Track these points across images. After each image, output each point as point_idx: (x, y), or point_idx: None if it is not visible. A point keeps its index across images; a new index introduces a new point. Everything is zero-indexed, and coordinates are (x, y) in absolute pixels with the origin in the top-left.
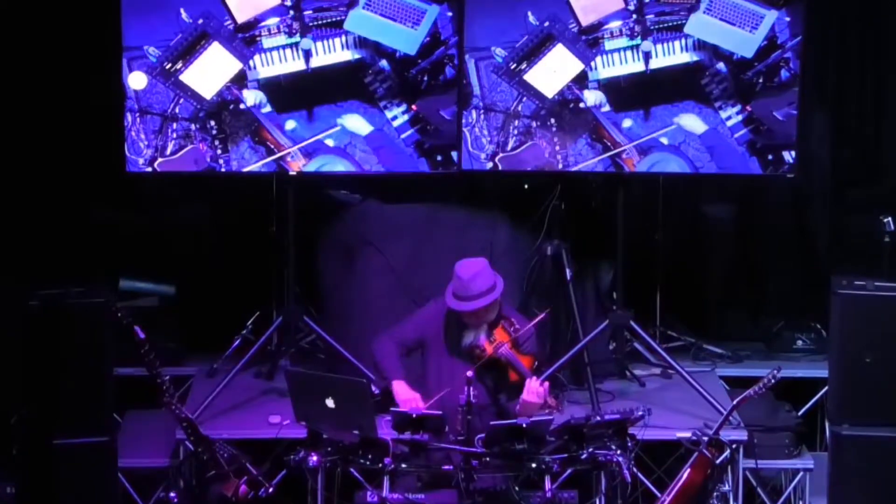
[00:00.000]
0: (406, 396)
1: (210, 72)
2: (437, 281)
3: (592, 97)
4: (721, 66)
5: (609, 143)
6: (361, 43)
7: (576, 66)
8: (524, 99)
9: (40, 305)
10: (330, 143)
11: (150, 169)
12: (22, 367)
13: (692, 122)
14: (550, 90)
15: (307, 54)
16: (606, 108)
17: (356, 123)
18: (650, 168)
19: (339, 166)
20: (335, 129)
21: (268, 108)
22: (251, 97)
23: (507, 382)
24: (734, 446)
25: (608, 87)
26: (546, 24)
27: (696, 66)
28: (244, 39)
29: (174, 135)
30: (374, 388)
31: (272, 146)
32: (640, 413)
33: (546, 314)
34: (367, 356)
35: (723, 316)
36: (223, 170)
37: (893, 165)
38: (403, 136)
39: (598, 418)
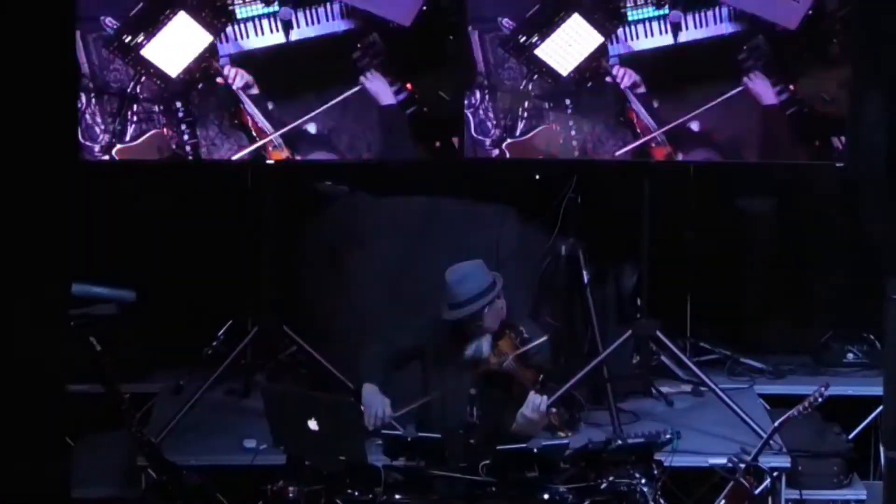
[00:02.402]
0: (372, 400)
1: (176, 46)
2: (434, 285)
3: (623, 74)
4: (761, 38)
5: (638, 128)
6: (349, 12)
7: (594, 40)
8: (535, 77)
9: None
10: (312, 129)
11: (106, 157)
12: None
13: (762, 89)
14: (565, 67)
15: (287, 25)
16: (641, 88)
17: (378, 87)
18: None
19: (323, 155)
20: (356, 89)
21: (251, 87)
22: (233, 74)
23: (510, 399)
24: (775, 474)
25: (631, 63)
26: None
27: (732, 39)
28: (215, 9)
29: (135, 118)
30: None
31: (254, 132)
32: (668, 436)
33: (545, 339)
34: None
35: (762, 325)
36: (191, 158)
37: None
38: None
39: (620, 442)
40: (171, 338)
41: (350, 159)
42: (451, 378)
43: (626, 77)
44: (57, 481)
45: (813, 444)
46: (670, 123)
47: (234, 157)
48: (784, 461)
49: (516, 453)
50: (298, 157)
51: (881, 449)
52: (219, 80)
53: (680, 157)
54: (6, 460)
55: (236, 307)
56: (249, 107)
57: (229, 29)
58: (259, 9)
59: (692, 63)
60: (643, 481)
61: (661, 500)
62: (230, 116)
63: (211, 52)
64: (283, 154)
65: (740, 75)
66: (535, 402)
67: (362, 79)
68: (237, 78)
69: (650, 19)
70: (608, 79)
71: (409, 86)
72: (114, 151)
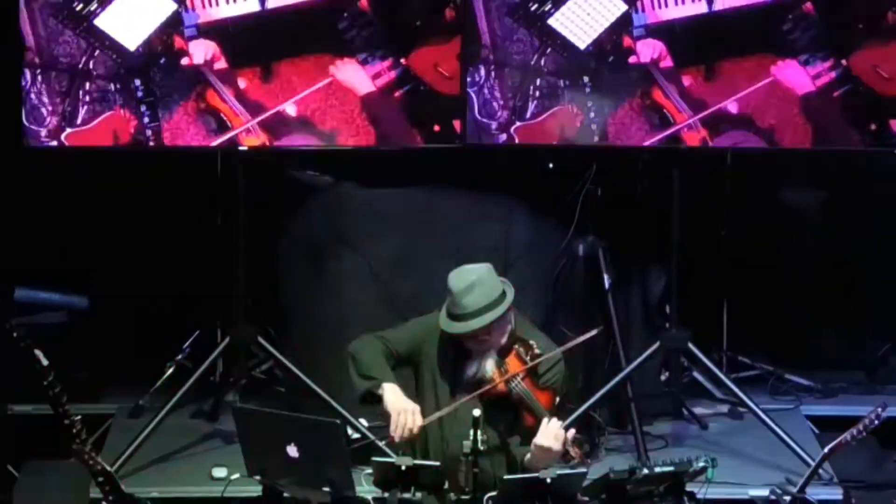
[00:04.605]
0: (400, 405)
1: (134, 15)
2: (432, 290)
3: (650, 49)
4: (808, 6)
5: (667, 109)
6: None
7: (616, 8)
8: (549, 50)
9: None
10: (291, 111)
11: (55, 142)
12: None
13: (800, 79)
14: (583, 39)
15: None
16: (668, 62)
17: (352, 76)
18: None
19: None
20: (325, 81)
21: (221, 64)
22: (200, 49)
23: (522, 426)
24: None
25: (659, 34)
26: None
27: (775, 7)
28: None
29: (87, 98)
30: (359, 393)
31: (224, 115)
32: (702, 464)
33: (559, 353)
34: (348, 376)
35: (810, 337)
36: (152, 143)
37: None
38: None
39: (647, 471)
40: (129, 351)
41: (335, 145)
42: (450, 398)
43: (651, 50)
44: None
45: (868, 473)
46: (703, 105)
47: (202, 144)
48: (835, 493)
49: (527, 484)
50: (276, 143)
51: None
52: (184, 60)
53: (715, 142)
54: None
55: (204, 315)
56: (219, 86)
57: None
58: None
59: (729, 35)
60: None
61: None
62: (197, 97)
63: (174, 23)
64: (259, 139)
65: (785, 49)
66: (553, 430)
67: (332, 69)
68: (202, 52)
69: None
70: (632, 55)
71: (403, 61)
72: (63, 136)
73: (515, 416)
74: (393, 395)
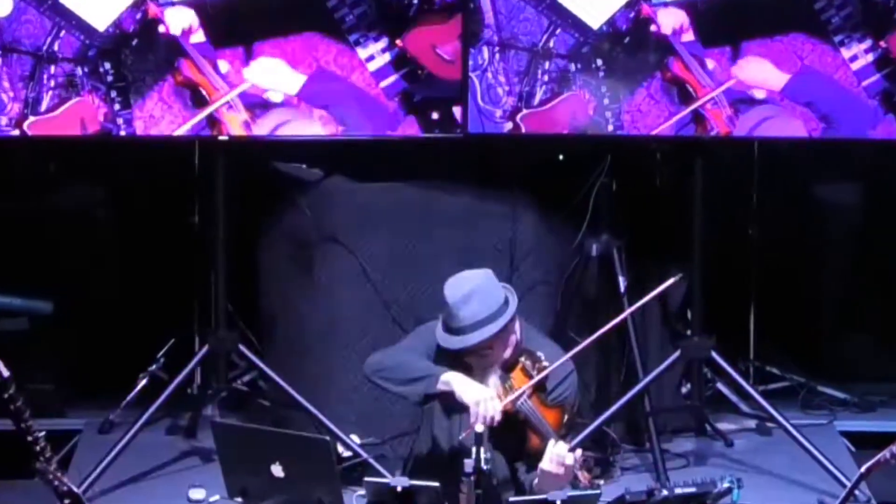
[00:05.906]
0: (479, 395)
1: None
2: (431, 294)
3: (671, 19)
4: None
5: (689, 85)
6: None
7: None
8: (558, 31)
9: None
10: (277, 97)
11: (17, 132)
12: None
13: (764, 73)
14: (597, 18)
15: None
16: (690, 35)
17: (275, 73)
18: (751, 131)
19: (297, 128)
20: (243, 85)
21: (200, 37)
22: (178, 17)
23: (528, 447)
24: None
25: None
26: None
27: None
28: None
29: (52, 83)
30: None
31: (203, 89)
32: (727, 485)
33: (569, 362)
34: (338, 388)
35: (845, 345)
36: (123, 133)
37: None
38: (384, 84)
39: (666, 492)
40: (98, 361)
41: (326, 135)
42: (450, 416)
43: (673, 19)
44: None
45: None
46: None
47: (179, 132)
48: None
49: None
50: (260, 132)
51: None
52: (160, 28)
53: (740, 118)
54: None
55: (181, 322)
56: (196, 57)
57: None
58: None
59: (757, 13)
60: None
61: None
62: (173, 73)
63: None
64: (241, 116)
65: (818, 29)
66: (559, 454)
67: (245, 70)
68: (179, 20)
69: None
70: (652, 24)
71: (398, 43)
72: (26, 125)
73: (520, 435)
74: (464, 385)
